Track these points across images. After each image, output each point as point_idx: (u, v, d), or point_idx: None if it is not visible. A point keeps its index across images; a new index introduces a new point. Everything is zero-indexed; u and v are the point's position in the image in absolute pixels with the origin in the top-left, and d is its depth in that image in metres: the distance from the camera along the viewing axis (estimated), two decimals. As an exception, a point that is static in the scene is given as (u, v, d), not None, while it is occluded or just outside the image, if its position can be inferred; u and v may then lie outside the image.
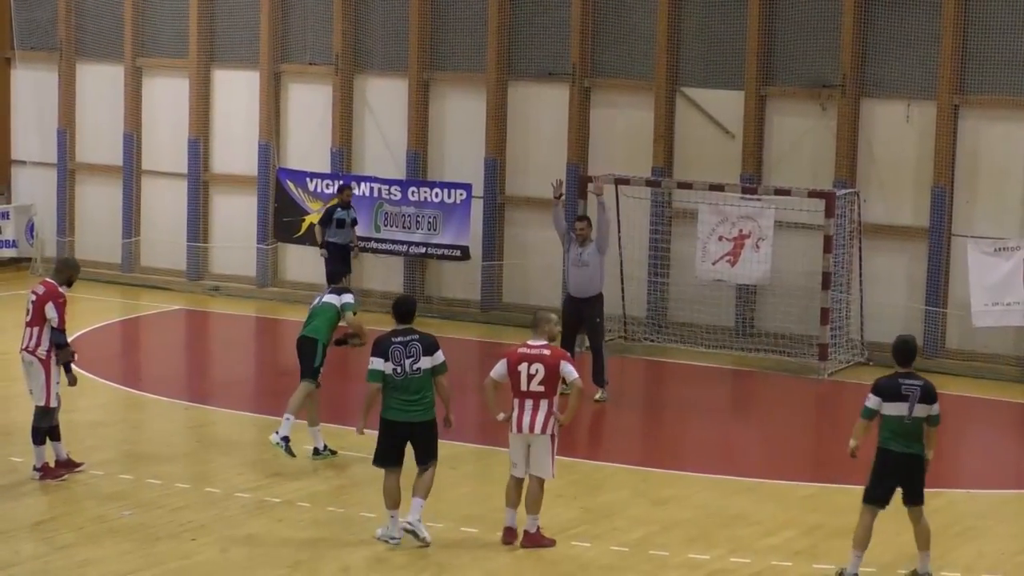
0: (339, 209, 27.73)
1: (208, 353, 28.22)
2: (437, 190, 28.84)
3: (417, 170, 29.42)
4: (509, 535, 15.75)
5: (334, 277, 25.61)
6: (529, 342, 15.69)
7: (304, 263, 30.54)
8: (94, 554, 15.50)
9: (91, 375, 23.73)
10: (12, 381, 20.65)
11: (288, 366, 26.68)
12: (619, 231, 26.41)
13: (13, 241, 32.55)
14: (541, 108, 28.56)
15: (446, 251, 28.79)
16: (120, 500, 17.32)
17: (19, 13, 32.69)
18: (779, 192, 25.05)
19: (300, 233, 29.98)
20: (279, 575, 15.10)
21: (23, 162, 33.41)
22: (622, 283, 26.80)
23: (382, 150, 29.99)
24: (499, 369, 15.66)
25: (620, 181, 26.17)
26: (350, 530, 16.68)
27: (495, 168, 28.78)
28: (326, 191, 29.45)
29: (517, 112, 28.76)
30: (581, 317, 22.73)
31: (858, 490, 15.60)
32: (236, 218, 31.33)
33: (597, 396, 22.67)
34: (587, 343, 23.11)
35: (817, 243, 24.64)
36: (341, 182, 28.61)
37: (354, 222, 27.91)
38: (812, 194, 24.64)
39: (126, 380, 23.83)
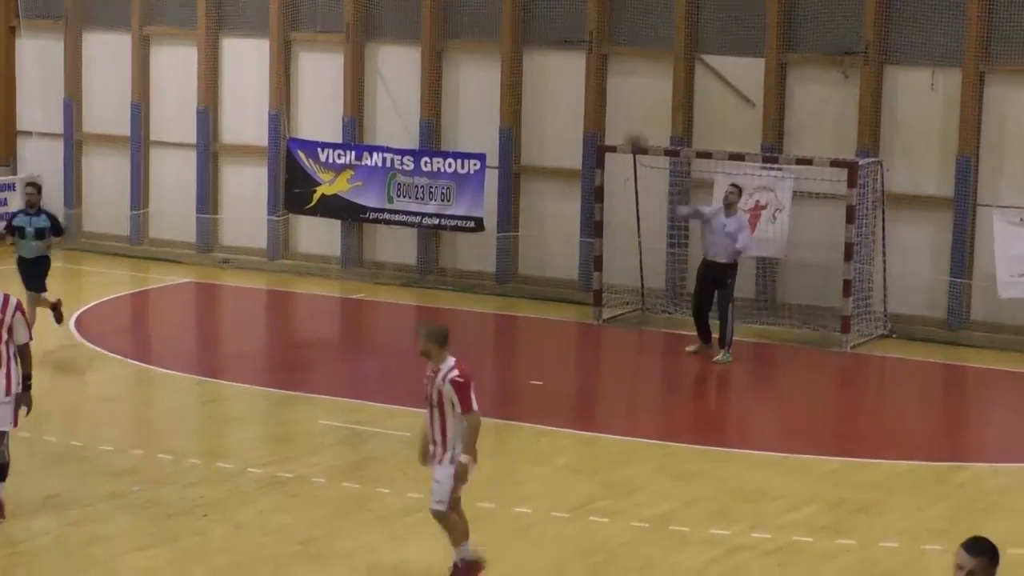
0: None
1: (219, 327, 28.31)
2: (451, 160, 28.85)
3: (430, 140, 29.42)
4: None
5: None
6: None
7: (316, 235, 30.59)
8: (105, 530, 15.56)
9: (100, 349, 23.86)
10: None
11: (301, 339, 26.84)
12: (637, 202, 26.36)
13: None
14: (557, 77, 28.53)
15: (460, 222, 28.83)
16: (131, 475, 17.38)
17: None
18: (800, 161, 25.04)
19: (312, 204, 29.99)
20: (293, 551, 15.15)
21: (29, 133, 33.47)
22: (640, 254, 26.75)
23: (394, 119, 29.97)
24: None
25: (638, 150, 26.12)
26: (366, 506, 16.72)
27: (510, 138, 28.74)
28: (338, 161, 29.53)
29: (532, 81, 28.75)
30: (716, 280, 23.31)
31: (882, 465, 15.65)
32: (246, 189, 31.39)
33: (717, 358, 23.18)
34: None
35: (839, 213, 24.56)
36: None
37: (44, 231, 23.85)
38: (834, 163, 24.57)
39: (136, 354, 23.86)
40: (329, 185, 29.64)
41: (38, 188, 22.72)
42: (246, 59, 31.16)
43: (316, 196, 30.00)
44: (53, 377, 22.03)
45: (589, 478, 18.20)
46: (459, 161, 28.69)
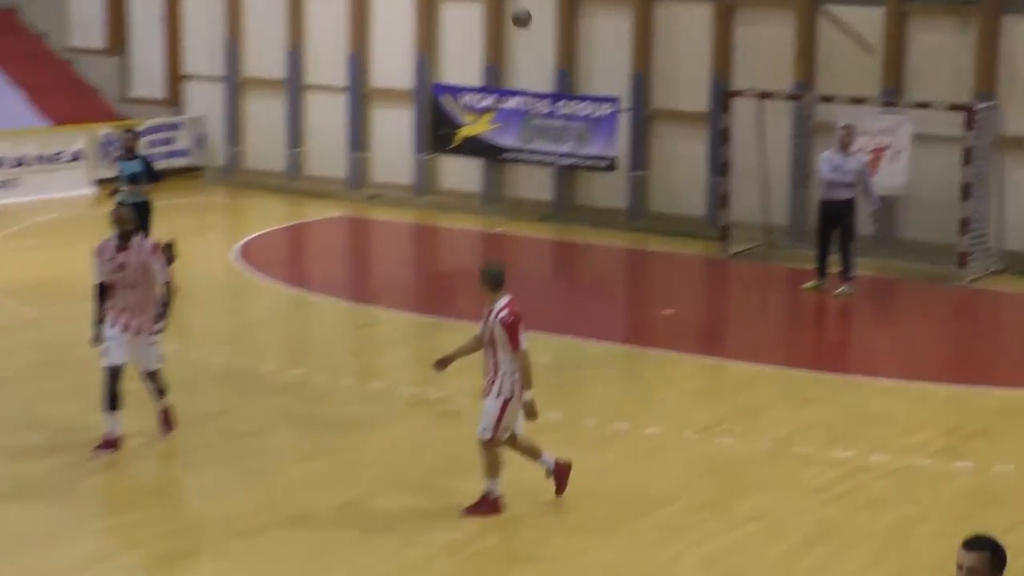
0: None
1: (369, 257, 28.49)
2: (585, 104, 28.77)
3: (566, 85, 29.32)
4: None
5: None
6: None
7: (458, 173, 30.68)
8: (267, 444, 15.81)
9: (261, 277, 24.12)
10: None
11: (445, 269, 26.97)
12: (764, 143, 26.25)
13: (186, 151, 33.03)
14: (686, 25, 28.28)
15: (593, 162, 28.76)
16: (290, 394, 17.59)
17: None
18: (919, 106, 24.78)
19: (454, 145, 30.08)
20: (441, 466, 15.25)
21: (194, 76, 33.68)
22: (763, 192, 26.61)
23: (532, 65, 29.88)
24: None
25: (763, 95, 25.98)
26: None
27: (641, 82, 28.59)
28: (479, 104, 29.56)
29: (663, 29, 28.53)
30: (838, 218, 23.11)
31: (997, 393, 15.50)
32: (394, 130, 31.46)
33: (839, 291, 23.11)
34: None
35: (957, 155, 24.29)
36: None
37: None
38: (952, 107, 24.29)
39: (293, 281, 24.09)
40: (471, 127, 29.69)
41: (135, 134, 22.41)
42: (394, 6, 31.13)
43: (459, 137, 29.99)
44: (218, 303, 22.31)
45: (716, 402, 18.20)
46: (593, 104, 28.60)
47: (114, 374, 14.78)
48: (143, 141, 31.74)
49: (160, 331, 15.08)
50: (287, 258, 27.05)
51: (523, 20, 15.06)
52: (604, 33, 29.19)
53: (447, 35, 30.86)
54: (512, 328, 13.48)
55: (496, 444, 13.67)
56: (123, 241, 14.71)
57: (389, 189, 31.48)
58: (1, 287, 22.55)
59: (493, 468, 13.74)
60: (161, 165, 31.89)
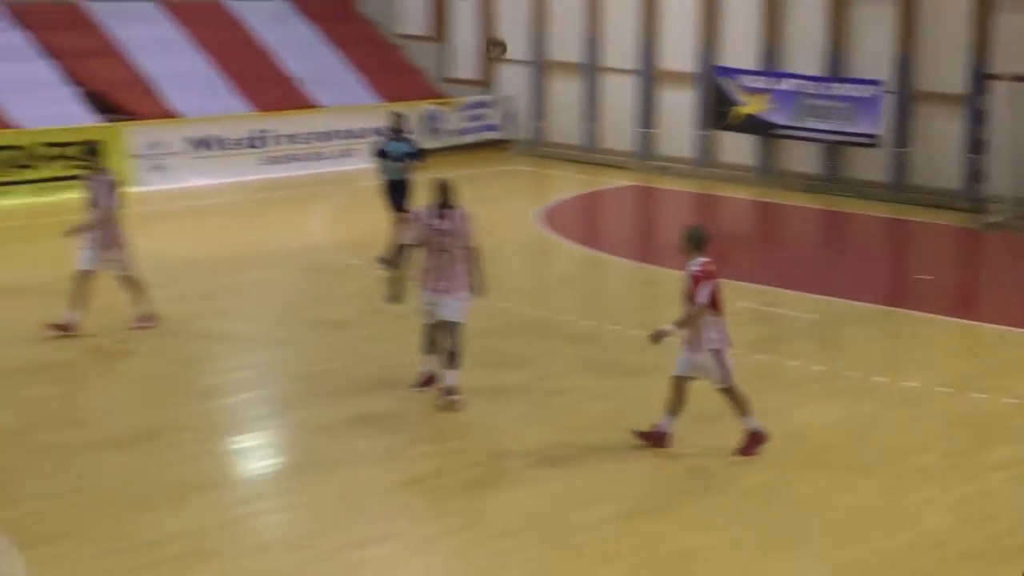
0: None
1: (656, 221, 28.55)
2: (851, 85, 28.41)
3: (835, 67, 28.95)
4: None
5: None
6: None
7: (735, 147, 30.54)
8: (565, 384, 16.03)
9: (560, 238, 24.33)
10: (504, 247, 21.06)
11: (721, 234, 26.83)
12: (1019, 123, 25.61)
13: (496, 126, 33.44)
14: (946, 10, 27.68)
15: (858, 139, 28.39)
16: (584, 342, 17.73)
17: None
18: None
19: (732, 122, 29.93)
20: (710, 409, 15.24)
21: (505, 60, 34.01)
22: (1017, 169, 25.95)
23: (804, 49, 29.56)
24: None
25: (1019, 78, 25.39)
26: (776, 375, 16.76)
27: (904, 65, 28.12)
28: (755, 86, 29.39)
29: (924, 14, 27.99)
30: None
31: None
32: (678, 108, 31.46)
33: None
34: None
35: None
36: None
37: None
38: None
39: (588, 242, 24.30)
40: (748, 106, 29.56)
41: (400, 117, 22.10)
42: (683, 2, 31.04)
43: (736, 115, 29.85)
44: (522, 261, 22.57)
45: (969, 360, 17.91)
46: (859, 86, 28.21)
47: (431, 327, 14.99)
48: (459, 116, 32.40)
49: (469, 290, 15.07)
50: (582, 222, 27.28)
51: (496, 49, 14.74)
52: (870, 18, 28.80)
53: (727, 22, 30.71)
54: (695, 282, 13.53)
55: (734, 387, 13.84)
56: (442, 210, 14.75)
57: (673, 162, 31.50)
58: (339, 242, 23.13)
59: (744, 407, 13.86)
60: (473, 138, 32.61)
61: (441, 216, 14.71)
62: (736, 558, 11.70)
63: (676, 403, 13.87)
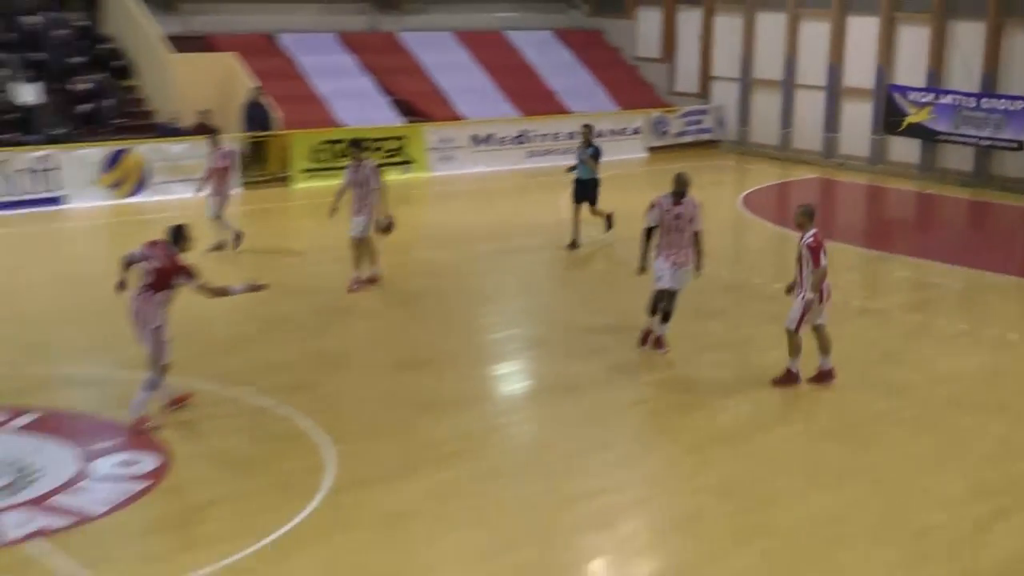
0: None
1: (835, 207, 28.03)
2: (1002, 100, 27.57)
3: (989, 85, 28.10)
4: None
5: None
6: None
7: (902, 149, 29.87)
8: (754, 333, 15.96)
9: (758, 217, 24.11)
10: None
11: (887, 216, 26.17)
12: None
13: (709, 129, 33.25)
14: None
15: (1006, 144, 27.59)
16: (772, 301, 17.53)
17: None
18: None
19: (901, 128, 29.22)
20: (876, 359, 15.05)
21: (718, 77, 33.81)
22: None
23: (963, 70, 28.70)
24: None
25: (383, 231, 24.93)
26: (928, 331, 16.40)
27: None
28: (921, 100, 28.67)
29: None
30: None
31: None
32: (857, 117, 30.88)
33: None
34: None
35: None
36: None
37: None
38: None
39: (779, 222, 24.00)
40: (915, 116, 28.90)
41: (590, 128, 21.33)
42: (863, 29, 30.52)
43: (904, 123, 29.20)
44: (726, 235, 22.41)
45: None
46: (1009, 101, 27.34)
47: (661, 294, 14.69)
48: (680, 121, 32.30)
49: (694, 263, 14.74)
50: (775, 205, 26.95)
51: (386, 228, 14.04)
52: (1019, 45, 27.70)
53: (899, 49, 30.01)
54: (813, 251, 13.42)
55: (797, 333, 13.69)
56: (678, 197, 14.42)
57: (850, 159, 30.92)
58: (585, 217, 23.31)
59: (795, 350, 13.79)
60: (691, 139, 32.50)
61: (677, 203, 14.44)
62: (892, 474, 11.64)
63: (798, 344, 13.89)
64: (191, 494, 10.91)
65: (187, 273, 12.15)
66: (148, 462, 11.43)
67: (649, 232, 14.52)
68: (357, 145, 18.07)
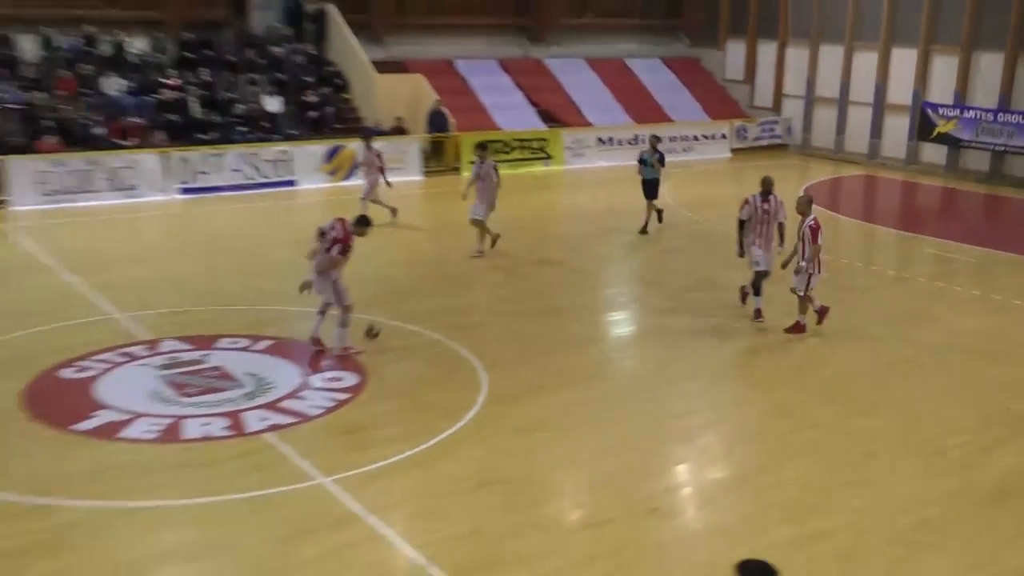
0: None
1: (875, 198, 27.03)
2: (1015, 115, 26.41)
3: (1005, 102, 26.84)
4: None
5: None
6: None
7: (932, 152, 28.71)
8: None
9: (816, 206, 23.37)
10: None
11: (918, 206, 25.19)
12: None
13: (780, 136, 32.42)
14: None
15: (1017, 149, 26.52)
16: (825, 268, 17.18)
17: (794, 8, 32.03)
18: None
19: (932, 136, 28.07)
20: (896, 315, 14.48)
21: (788, 95, 32.86)
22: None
23: (984, 91, 27.46)
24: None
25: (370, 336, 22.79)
26: (945, 298, 15.72)
27: (1051, 105, 25.76)
28: (948, 114, 27.53)
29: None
30: None
31: None
32: (897, 127, 29.81)
33: None
34: None
35: None
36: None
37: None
38: None
39: (832, 208, 23.30)
40: (943, 127, 27.76)
41: (658, 138, 19.94)
42: (904, 60, 29.31)
43: (935, 132, 28.10)
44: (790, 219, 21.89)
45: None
46: (1020, 116, 26.18)
47: (761, 275, 13.93)
48: (758, 129, 31.50)
49: (777, 243, 13.95)
50: (830, 195, 26.19)
51: (373, 334, 13.32)
52: (1030, 73, 26.42)
53: (933, 73, 28.77)
54: (814, 231, 13.13)
55: (806, 295, 13.38)
56: (765, 196, 13.80)
57: (891, 161, 29.81)
58: (681, 202, 22.98)
59: (803, 308, 13.49)
60: (766, 143, 31.68)
61: (765, 200, 13.82)
62: (914, 406, 11.28)
63: (804, 308, 13.55)
64: (381, 403, 11.05)
65: (344, 248, 12.07)
66: (350, 379, 11.62)
67: (742, 224, 13.87)
68: (482, 147, 17.67)
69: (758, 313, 14.03)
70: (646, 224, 19.46)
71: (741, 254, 14.11)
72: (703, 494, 9.36)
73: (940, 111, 28.06)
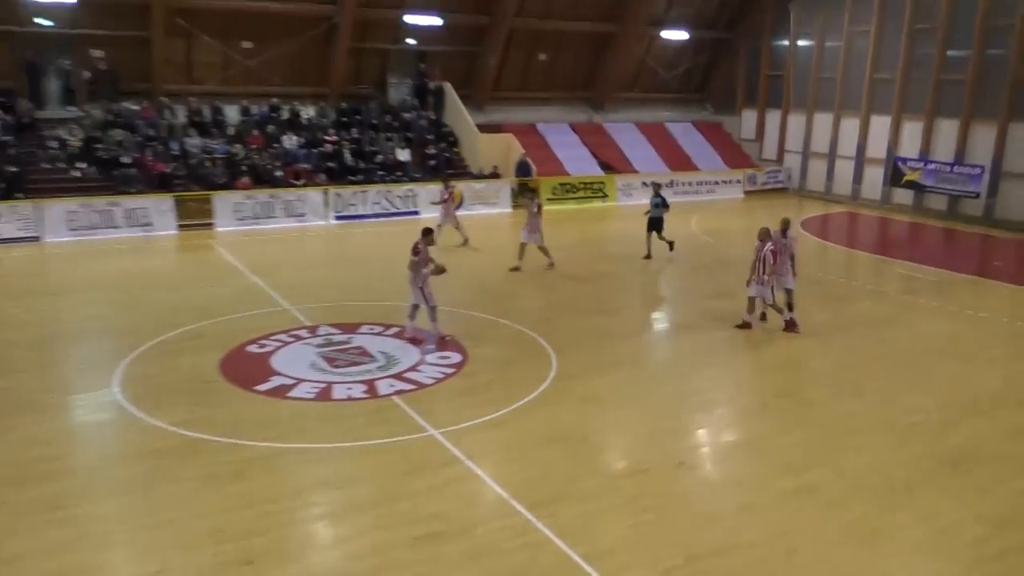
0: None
1: (856, 230, 25.98)
2: (966, 167, 25.09)
3: (959, 158, 25.43)
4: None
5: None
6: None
7: (901, 195, 27.50)
8: (807, 301, 14.78)
9: (809, 235, 22.54)
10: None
11: (887, 238, 24.15)
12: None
13: (781, 181, 31.46)
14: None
15: (967, 193, 25.33)
16: (819, 285, 16.46)
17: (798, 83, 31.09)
18: None
19: (901, 183, 26.98)
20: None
21: (789, 151, 31.84)
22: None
23: (941, 150, 26.15)
24: None
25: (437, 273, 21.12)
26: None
27: (997, 157, 24.44)
28: (915, 166, 26.42)
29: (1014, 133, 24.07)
30: None
31: None
32: (873, 175, 28.61)
33: None
34: None
35: None
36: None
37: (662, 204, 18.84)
38: None
39: (822, 236, 22.39)
40: (910, 175, 26.68)
41: (659, 185, 18.97)
42: (879, 124, 28.13)
43: (904, 179, 26.96)
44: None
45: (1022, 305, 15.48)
46: (971, 168, 24.81)
47: (787, 293, 13.08)
48: (765, 176, 30.58)
49: (793, 275, 13.12)
50: (821, 227, 25.34)
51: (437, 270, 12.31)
52: (981, 134, 24.99)
53: (903, 134, 27.59)
54: (774, 254, 12.53)
55: (773, 302, 12.80)
56: (783, 232, 13.06)
57: (869, 201, 28.68)
58: (703, 231, 22.44)
59: (783, 310, 12.90)
60: (771, 187, 30.80)
61: (783, 235, 13.06)
62: (887, 392, 10.80)
63: (751, 309, 12.86)
64: (478, 376, 11.00)
65: (415, 251, 11.76)
66: (455, 357, 11.60)
67: (774, 255, 12.84)
68: (531, 189, 17.45)
69: (791, 323, 13.00)
70: (649, 251, 18.25)
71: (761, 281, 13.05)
72: (719, 453, 9.10)
73: (908, 163, 26.87)
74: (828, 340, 12.85)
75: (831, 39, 29.64)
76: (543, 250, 16.84)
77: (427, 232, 11.99)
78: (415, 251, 11.76)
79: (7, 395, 9.74)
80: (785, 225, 13.17)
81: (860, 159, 29.08)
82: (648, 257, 18.25)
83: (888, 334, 13.27)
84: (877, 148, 28.53)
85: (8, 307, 13.26)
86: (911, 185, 27.00)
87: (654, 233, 18.44)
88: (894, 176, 27.51)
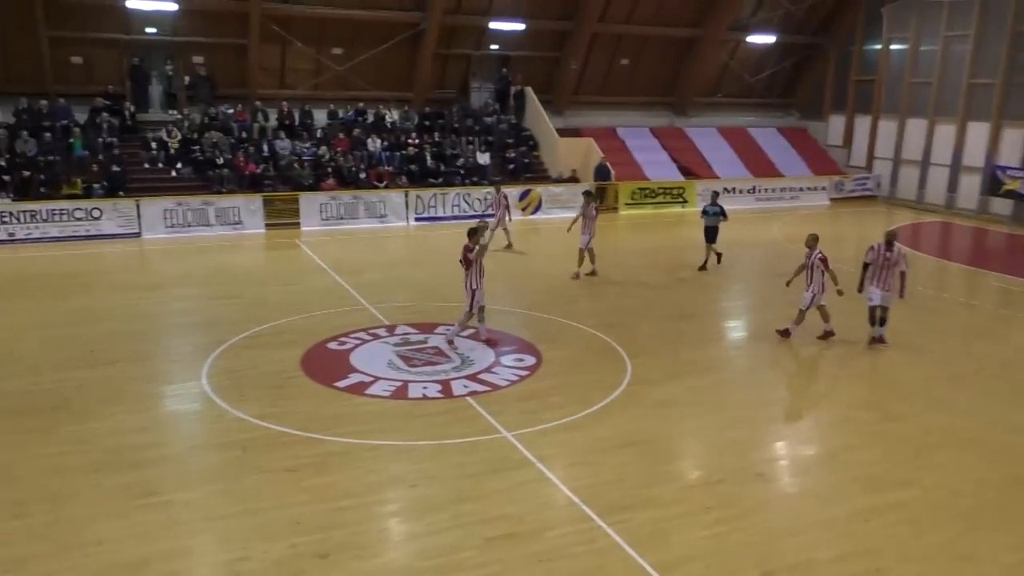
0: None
1: (948, 240, 24.76)
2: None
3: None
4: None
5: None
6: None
7: (999, 204, 26.09)
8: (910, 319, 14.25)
9: (913, 250, 21.65)
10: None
11: (983, 247, 22.97)
12: None
13: (871, 189, 30.32)
14: None
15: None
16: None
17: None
18: None
19: (999, 192, 25.56)
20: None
21: (879, 157, 30.60)
22: None
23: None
24: None
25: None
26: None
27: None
28: (1015, 175, 25.14)
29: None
30: None
31: None
32: (970, 184, 27.26)
33: None
34: None
35: None
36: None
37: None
38: None
39: (913, 246, 21.40)
40: (1010, 185, 25.29)
41: (717, 193, 18.31)
42: (977, 131, 26.72)
43: (1002, 189, 25.55)
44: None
45: None
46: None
47: (874, 309, 12.41)
48: (853, 183, 29.63)
49: (896, 291, 12.31)
50: (913, 236, 24.20)
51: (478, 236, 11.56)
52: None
53: (1003, 141, 26.21)
54: (824, 262, 12.25)
55: (804, 313, 12.46)
56: (889, 246, 12.24)
57: (963, 210, 27.31)
58: (785, 236, 21.70)
59: (799, 320, 12.57)
60: (859, 194, 29.74)
61: (888, 249, 12.27)
62: (976, 407, 10.21)
63: (800, 318, 12.55)
64: (552, 379, 10.96)
65: (466, 251, 11.71)
66: (530, 359, 11.59)
67: (866, 266, 12.43)
68: (589, 194, 16.97)
69: (881, 339, 12.46)
70: (705, 262, 17.37)
71: (860, 290, 12.67)
72: (798, 465, 8.80)
73: (1008, 172, 25.51)
74: (917, 353, 12.28)
75: (926, 43, 28.40)
76: (588, 252, 16.25)
77: (472, 233, 11.81)
78: (466, 253, 11.64)
79: (107, 383, 10.15)
80: (890, 237, 12.30)
81: (955, 167, 27.73)
82: (704, 268, 17.28)
83: (981, 348, 12.60)
84: (974, 156, 27.16)
85: (112, 300, 13.85)
86: (1011, 195, 25.58)
87: (711, 244, 17.63)
88: (992, 185, 26.13)
